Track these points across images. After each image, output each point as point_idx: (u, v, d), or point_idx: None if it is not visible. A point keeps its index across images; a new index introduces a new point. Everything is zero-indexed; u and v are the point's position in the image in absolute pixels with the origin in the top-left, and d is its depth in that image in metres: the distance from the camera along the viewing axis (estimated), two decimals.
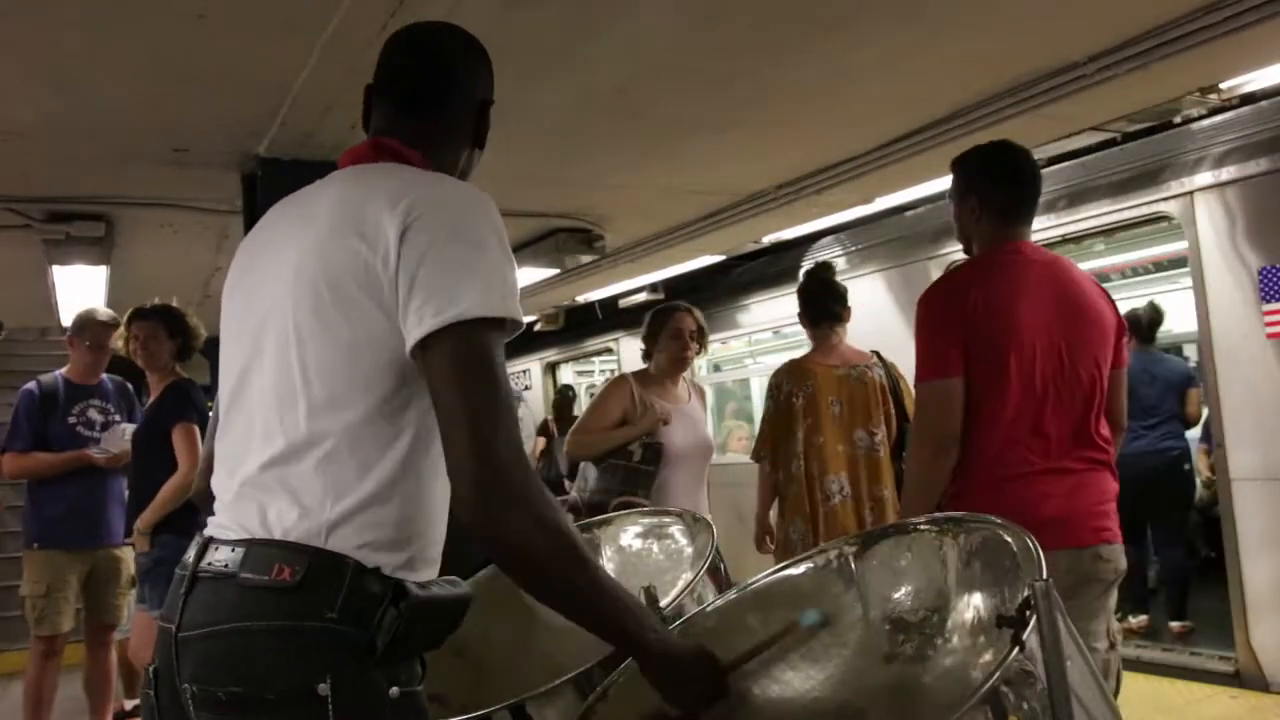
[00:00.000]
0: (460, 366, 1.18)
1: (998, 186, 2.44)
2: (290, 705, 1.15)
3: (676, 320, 3.74)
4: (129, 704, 5.16)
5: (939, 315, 2.39)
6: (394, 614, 1.18)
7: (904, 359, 5.72)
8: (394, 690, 1.19)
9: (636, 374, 3.76)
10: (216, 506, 1.32)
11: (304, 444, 1.23)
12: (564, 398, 9.57)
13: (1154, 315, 5.56)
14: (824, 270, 4.00)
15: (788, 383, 3.73)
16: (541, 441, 9.10)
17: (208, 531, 1.29)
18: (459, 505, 1.18)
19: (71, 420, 4.44)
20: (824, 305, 3.83)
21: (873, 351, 3.87)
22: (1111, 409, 2.45)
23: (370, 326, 1.22)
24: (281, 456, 1.24)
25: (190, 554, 1.27)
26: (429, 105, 1.44)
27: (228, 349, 1.38)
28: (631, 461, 3.50)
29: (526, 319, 8.17)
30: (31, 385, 4.49)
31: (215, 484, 1.34)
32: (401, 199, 1.22)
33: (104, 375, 4.60)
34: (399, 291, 1.20)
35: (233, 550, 1.22)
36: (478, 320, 1.18)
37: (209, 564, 1.23)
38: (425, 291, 1.18)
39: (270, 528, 1.21)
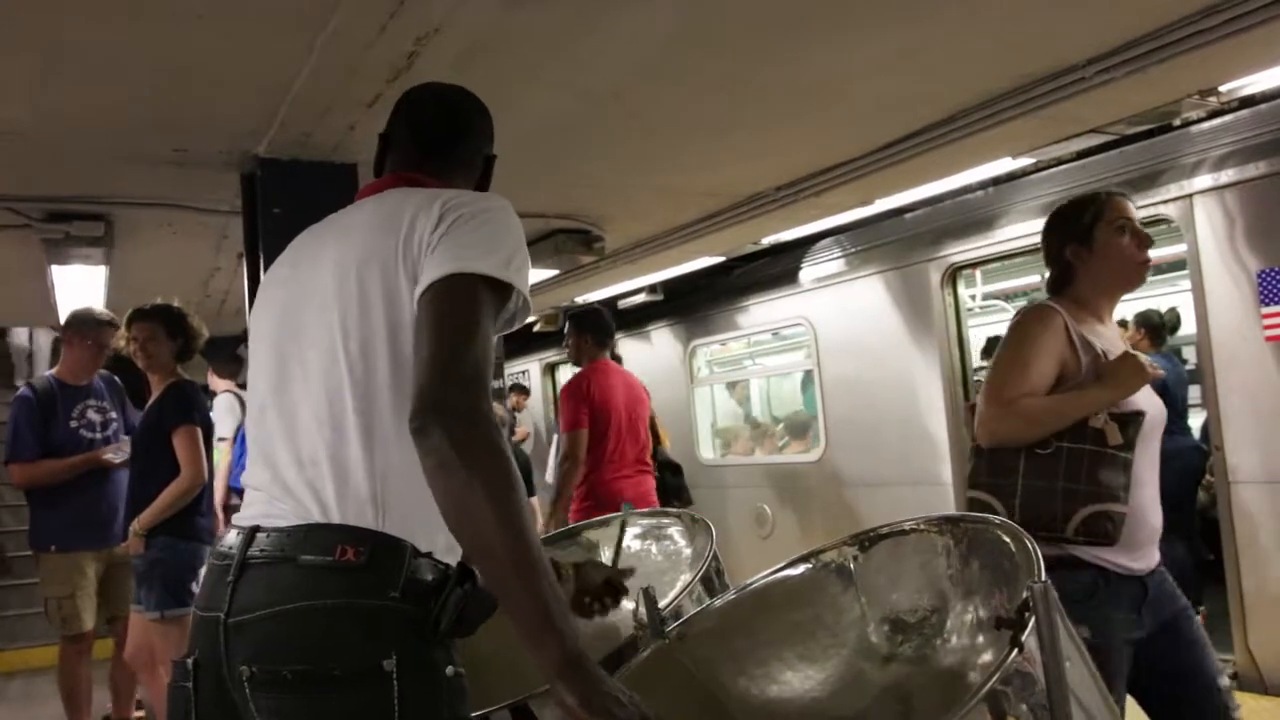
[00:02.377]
0: (444, 307, 1.22)
1: (600, 333, 4.94)
2: (357, 681, 1.18)
3: (1116, 207, 2.41)
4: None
5: (573, 395, 4.73)
6: (459, 594, 1.23)
7: (903, 358, 5.77)
8: (450, 670, 1.24)
9: (1060, 302, 2.37)
10: (255, 498, 1.35)
11: (352, 426, 1.27)
12: None
13: (1173, 321, 5.67)
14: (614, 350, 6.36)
15: None
16: None
17: (247, 521, 1.31)
18: (410, 421, 1.16)
19: (73, 424, 4.43)
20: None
21: None
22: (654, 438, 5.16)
23: (405, 310, 1.28)
24: (331, 441, 1.27)
25: (230, 542, 1.30)
26: (443, 148, 1.56)
27: (260, 355, 1.43)
28: (1105, 446, 2.15)
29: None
30: (26, 391, 4.47)
31: (251, 478, 1.37)
32: (438, 198, 1.35)
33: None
34: (424, 261, 1.28)
35: (289, 535, 1.25)
36: (473, 275, 1.24)
37: (261, 550, 1.26)
38: (439, 253, 1.26)
39: (328, 511, 1.25)
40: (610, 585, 1.72)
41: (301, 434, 1.30)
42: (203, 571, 4.08)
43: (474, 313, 1.22)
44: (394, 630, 1.20)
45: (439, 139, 1.56)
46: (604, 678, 1.13)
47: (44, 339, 8.17)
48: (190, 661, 1.28)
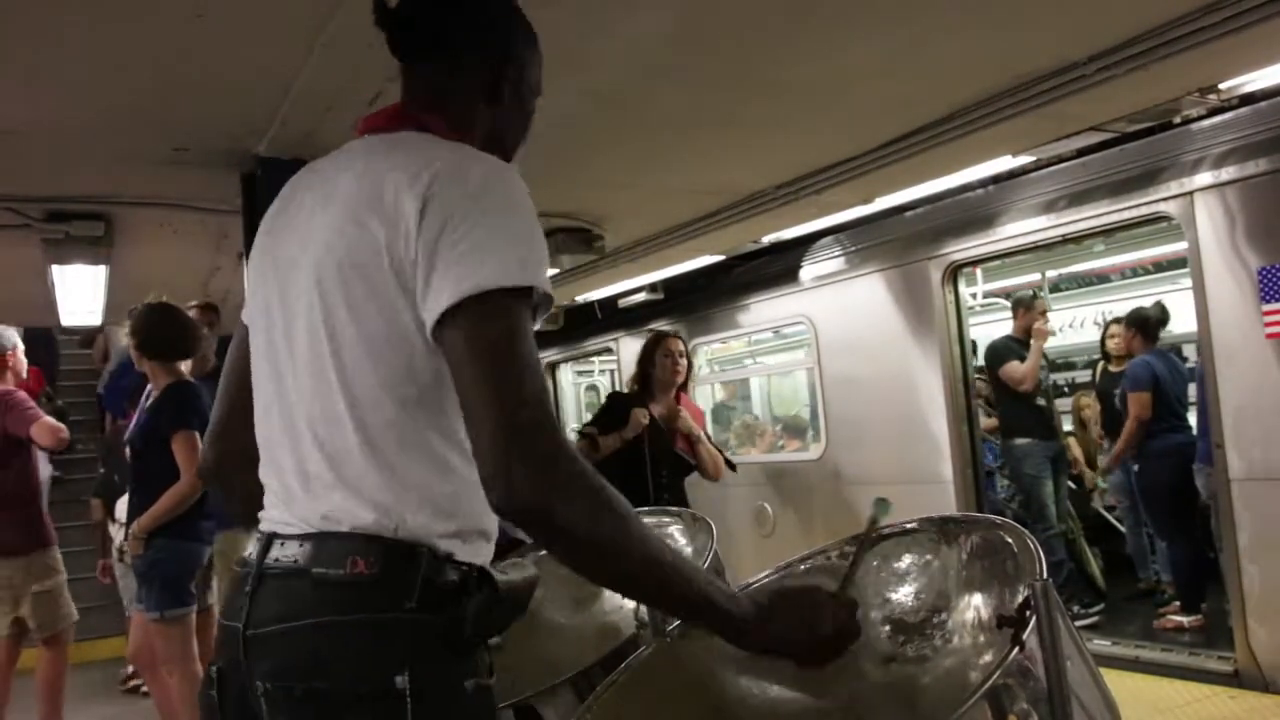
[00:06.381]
0: (477, 339, 1.12)
1: None
2: (367, 699, 1.13)
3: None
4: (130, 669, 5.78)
5: None
6: (479, 600, 1.18)
7: (904, 356, 5.76)
8: (469, 683, 1.18)
9: None
10: (268, 501, 1.30)
11: (352, 439, 1.20)
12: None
13: (1161, 315, 5.67)
14: None
15: None
16: None
17: (266, 527, 1.27)
18: (485, 486, 1.09)
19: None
20: None
21: None
22: None
23: (399, 315, 1.18)
24: (332, 452, 1.21)
25: (250, 551, 1.26)
26: (433, 51, 1.37)
27: (258, 338, 1.34)
28: None
29: None
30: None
31: (264, 476, 1.32)
32: (420, 174, 1.18)
33: None
34: (419, 271, 1.15)
35: (301, 545, 1.20)
36: (495, 291, 1.12)
37: (276, 560, 1.21)
38: (444, 266, 1.13)
39: (338, 521, 1.19)
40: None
41: (302, 440, 1.24)
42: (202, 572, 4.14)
43: (509, 340, 1.12)
44: (408, 644, 1.15)
45: (424, 43, 1.35)
46: (795, 622, 1.24)
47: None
48: (215, 670, 1.25)
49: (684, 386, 4.48)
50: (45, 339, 8.72)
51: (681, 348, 4.46)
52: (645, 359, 4.45)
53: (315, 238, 1.26)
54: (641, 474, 4.19)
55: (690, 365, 4.51)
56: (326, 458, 1.21)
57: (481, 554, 1.25)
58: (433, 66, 1.37)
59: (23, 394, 4.66)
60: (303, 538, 1.20)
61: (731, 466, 4.58)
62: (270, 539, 1.24)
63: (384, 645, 1.14)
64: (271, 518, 1.28)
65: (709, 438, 4.51)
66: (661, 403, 4.36)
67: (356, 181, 1.25)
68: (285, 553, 1.21)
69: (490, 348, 1.11)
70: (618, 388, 9.25)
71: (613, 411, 4.39)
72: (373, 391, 1.20)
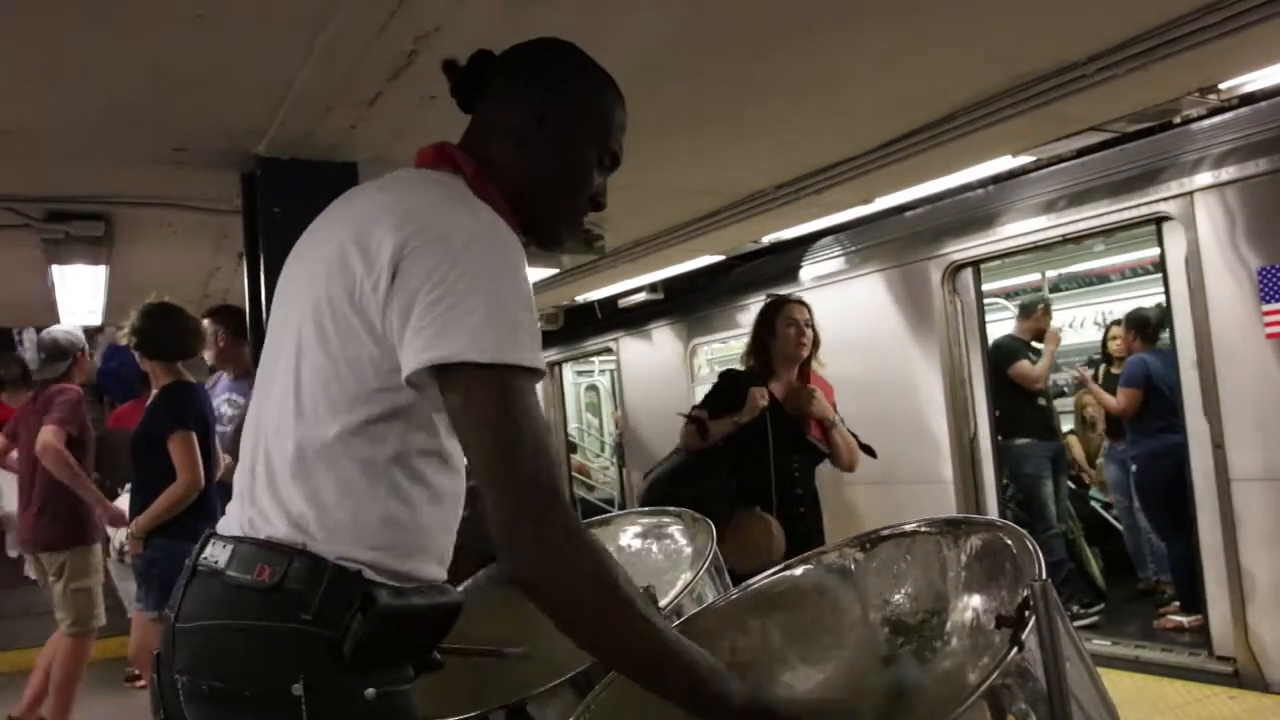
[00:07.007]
0: (468, 410, 1.17)
1: None
2: (265, 703, 1.18)
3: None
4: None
5: None
6: (360, 620, 1.19)
7: (904, 355, 5.76)
8: (370, 692, 1.20)
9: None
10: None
11: (290, 453, 1.25)
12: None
13: (1160, 317, 5.69)
14: None
15: None
16: None
17: (218, 526, 1.33)
18: (498, 556, 1.15)
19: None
20: None
21: None
22: None
23: (358, 348, 1.22)
24: (272, 463, 1.27)
25: (196, 547, 1.32)
26: (481, 97, 1.44)
27: (267, 346, 1.41)
28: None
29: None
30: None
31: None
32: (405, 222, 1.21)
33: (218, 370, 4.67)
34: (392, 321, 1.19)
35: (224, 547, 1.26)
36: (466, 365, 1.15)
37: (204, 559, 1.27)
38: (415, 326, 1.17)
39: (257, 529, 1.25)
40: None
41: (260, 447, 1.31)
42: None
43: (505, 414, 1.15)
44: (302, 653, 1.19)
45: (466, 94, 1.44)
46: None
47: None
48: (156, 656, 1.31)
49: (809, 361, 3.78)
50: None
51: (807, 315, 3.74)
52: (763, 328, 3.78)
53: (317, 262, 1.31)
54: (763, 464, 3.58)
55: (817, 337, 3.78)
56: (268, 469, 1.27)
57: (409, 580, 1.26)
58: (480, 112, 1.44)
59: (71, 394, 4.69)
60: (229, 540, 1.27)
61: (871, 453, 3.90)
62: (209, 537, 1.30)
63: (278, 652, 1.19)
64: (226, 514, 1.34)
65: (842, 421, 3.83)
66: (784, 380, 3.73)
67: (360, 213, 1.29)
68: (213, 553, 1.27)
69: (482, 421, 1.16)
70: (618, 388, 9.23)
71: (726, 391, 3.73)
72: (316, 414, 1.25)
